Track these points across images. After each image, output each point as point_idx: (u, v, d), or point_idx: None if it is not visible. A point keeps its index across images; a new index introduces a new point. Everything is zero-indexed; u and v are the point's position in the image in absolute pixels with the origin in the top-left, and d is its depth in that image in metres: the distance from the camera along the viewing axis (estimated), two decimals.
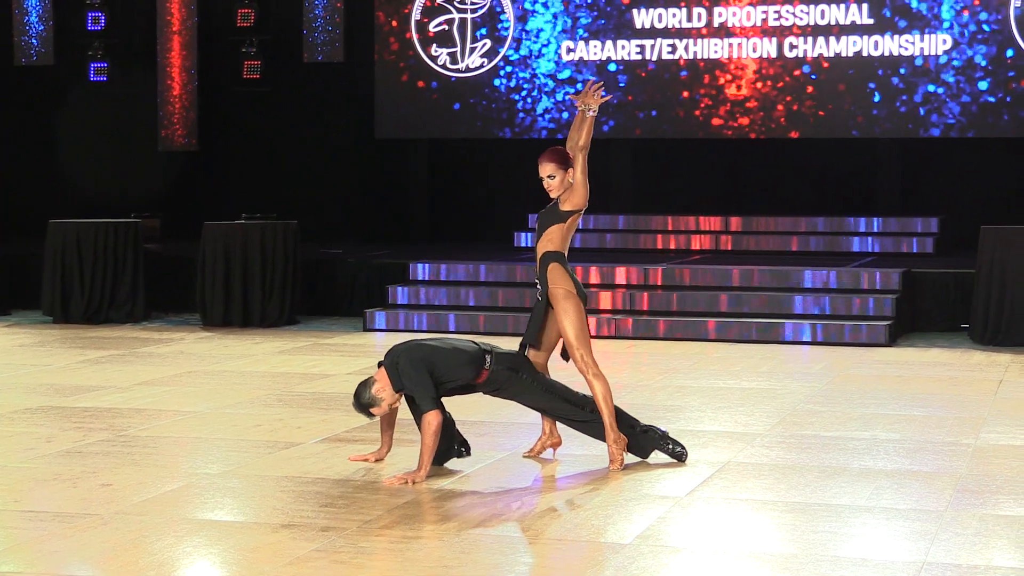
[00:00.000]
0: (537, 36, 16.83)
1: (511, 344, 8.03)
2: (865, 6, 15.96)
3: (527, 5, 16.84)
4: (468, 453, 7.85)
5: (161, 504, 6.96)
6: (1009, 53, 15.57)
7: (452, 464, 7.80)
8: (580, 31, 16.70)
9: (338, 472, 7.65)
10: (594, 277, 14.28)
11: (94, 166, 18.53)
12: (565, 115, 16.73)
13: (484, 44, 17.00)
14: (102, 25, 18.10)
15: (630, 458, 7.88)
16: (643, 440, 7.87)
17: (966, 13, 15.66)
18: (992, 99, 15.63)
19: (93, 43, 18.11)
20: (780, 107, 16.24)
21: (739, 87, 16.33)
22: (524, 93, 16.90)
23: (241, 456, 8.10)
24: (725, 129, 16.40)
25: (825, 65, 16.09)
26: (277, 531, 6.45)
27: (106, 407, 9.64)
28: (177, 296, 15.37)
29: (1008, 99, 15.61)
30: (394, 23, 17.26)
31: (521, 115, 16.91)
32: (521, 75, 16.89)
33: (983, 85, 15.65)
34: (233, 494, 7.26)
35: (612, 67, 16.58)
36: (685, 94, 16.46)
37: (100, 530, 6.46)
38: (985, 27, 15.61)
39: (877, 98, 15.96)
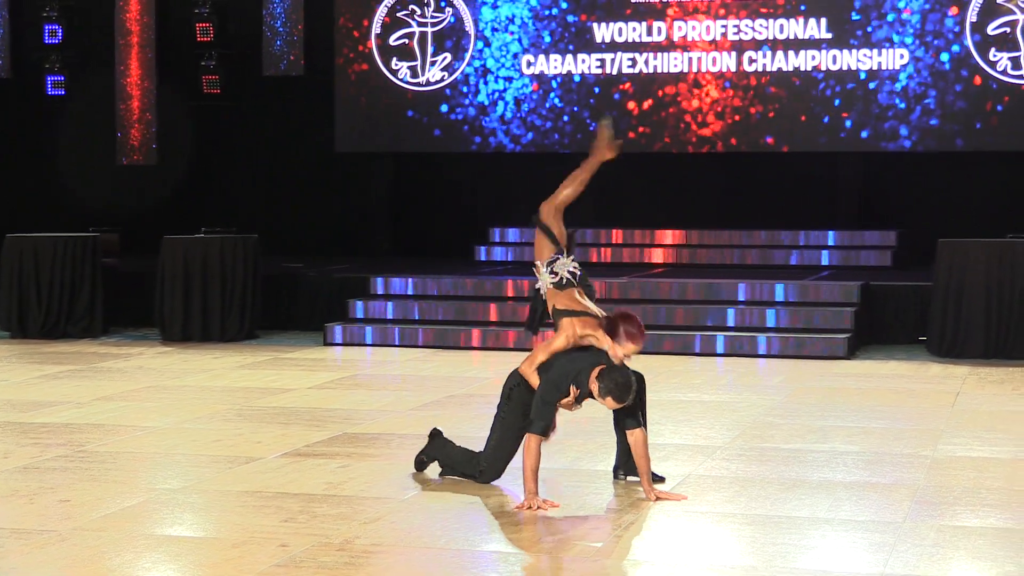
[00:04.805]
0: (497, 49, 16.85)
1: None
2: (824, 20, 16.05)
3: (487, 18, 16.86)
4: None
5: (120, 520, 6.92)
6: (965, 69, 15.68)
7: (412, 477, 7.79)
8: (541, 45, 16.73)
9: (298, 487, 7.62)
10: None
11: (52, 180, 18.42)
12: (526, 128, 16.74)
13: (444, 58, 17.01)
14: (59, 39, 17.99)
15: (592, 470, 7.88)
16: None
17: (923, 28, 15.77)
18: (949, 113, 15.74)
19: (50, 56, 18.01)
20: (739, 121, 16.30)
21: (699, 101, 16.38)
22: (484, 106, 16.90)
23: (200, 471, 8.06)
24: (685, 143, 16.45)
25: (784, 79, 16.16)
26: (237, 547, 6.42)
27: (64, 422, 9.58)
28: (136, 311, 15.28)
29: (965, 114, 15.72)
30: (355, 36, 17.24)
31: (481, 128, 16.91)
32: (481, 89, 16.90)
33: (941, 100, 15.75)
34: (192, 509, 7.23)
35: (574, 80, 16.62)
36: (645, 107, 16.50)
37: (58, 546, 6.42)
38: (942, 42, 15.72)
39: (835, 112, 16.05)
